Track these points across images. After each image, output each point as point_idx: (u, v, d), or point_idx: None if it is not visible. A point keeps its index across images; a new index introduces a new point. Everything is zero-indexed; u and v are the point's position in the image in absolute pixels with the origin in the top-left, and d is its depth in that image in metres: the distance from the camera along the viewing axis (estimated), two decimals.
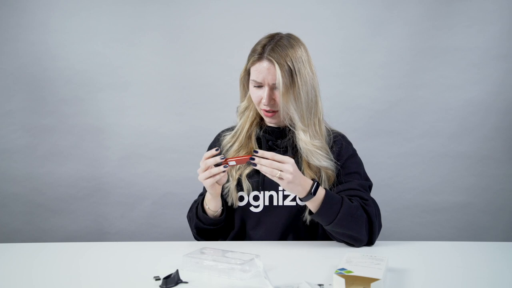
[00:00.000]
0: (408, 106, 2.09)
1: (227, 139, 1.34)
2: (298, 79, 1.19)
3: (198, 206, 1.30)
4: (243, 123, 1.32)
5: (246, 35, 2.03)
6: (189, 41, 2.08)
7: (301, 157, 1.27)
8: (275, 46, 1.21)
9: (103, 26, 2.07)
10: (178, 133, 2.11)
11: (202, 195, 1.36)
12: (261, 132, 1.32)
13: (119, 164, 2.13)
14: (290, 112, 1.21)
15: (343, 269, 0.90)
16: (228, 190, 1.28)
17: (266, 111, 1.24)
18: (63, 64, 2.07)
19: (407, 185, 2.12)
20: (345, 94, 2.07)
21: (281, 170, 1.08)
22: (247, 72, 1.28)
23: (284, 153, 1.29)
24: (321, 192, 1.14)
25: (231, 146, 1.32)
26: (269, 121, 1.29)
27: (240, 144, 1.31)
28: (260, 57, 1.21)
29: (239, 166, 1.28)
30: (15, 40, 2.05)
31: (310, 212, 1.18)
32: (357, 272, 0.89)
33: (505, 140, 2.08)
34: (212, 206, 1.25)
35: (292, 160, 1.09)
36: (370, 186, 1.30)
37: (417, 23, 2.03)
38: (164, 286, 0.89)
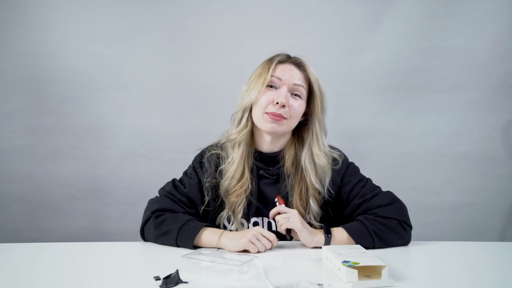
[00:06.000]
0: (408, 106, 2.09)
1: (228, 174, 1.26)
2: (322, 89, 1.25)
3: (181, 237, 1.16)
4: (239, 158, 1.25)
5: (246, 35, 2.06)
6: (189, 41, 2.08)
7: (291, 182, 1.24)
8: (297, 57, 1.26)
9: (103, 26, 2.07)
10: (178, 133, 2.11)
11: (176, 207, 1.29)
12: (251, 160, 1.26)
13: (119, 164, 2.12)
14: (316, 120, 1.23)
15: (347, 261, 0.90)
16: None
17: (274, 115, 1.17)
18: (63, 64, 2.07)
19: (407, 185, 2.12)
20: (345, 94, 2.07)
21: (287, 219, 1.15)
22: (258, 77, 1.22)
23: (276, 180, 1.26)
24: (339, 230, 1.16)
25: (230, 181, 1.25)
26: (271, 128, 1.19)
27: (239, 182, 1.24)
28: (286, 60, 1.24)
29: (234, 209, 1.25)
30: (15, 40, 2.05)
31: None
32: (363, 262, 0.89)
33: (505, 140, 2.08)
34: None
35: (295, 210, 1.17)
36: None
37: (417, 23, 2.03)
38: (164, 286, 0.89)
